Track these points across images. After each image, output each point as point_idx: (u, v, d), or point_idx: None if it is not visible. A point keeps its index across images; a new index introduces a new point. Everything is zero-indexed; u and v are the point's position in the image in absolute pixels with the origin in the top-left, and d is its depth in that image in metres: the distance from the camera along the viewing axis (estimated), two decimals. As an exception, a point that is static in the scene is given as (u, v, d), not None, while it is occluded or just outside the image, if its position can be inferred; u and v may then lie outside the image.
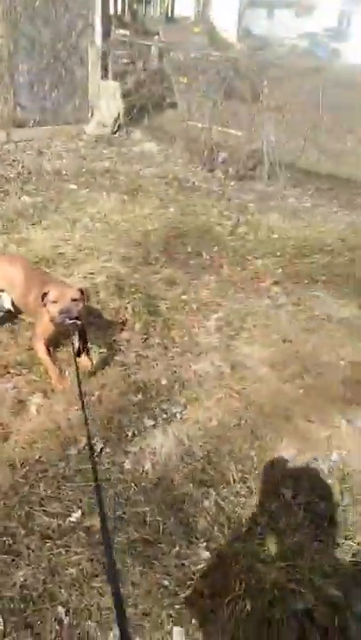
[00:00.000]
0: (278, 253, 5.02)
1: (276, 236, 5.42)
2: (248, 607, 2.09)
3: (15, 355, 3.39)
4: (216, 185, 6.87)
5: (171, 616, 2.05)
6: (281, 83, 7.71)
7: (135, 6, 12.92)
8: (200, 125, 8.06)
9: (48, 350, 3.03)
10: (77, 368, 2.61)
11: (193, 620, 2.06)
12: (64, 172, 6.78)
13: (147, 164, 7.38)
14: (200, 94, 8.71)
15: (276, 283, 4.51)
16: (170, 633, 2.01)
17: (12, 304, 3.35)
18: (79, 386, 2.36)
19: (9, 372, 3.24)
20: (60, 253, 4.58)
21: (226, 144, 7.69)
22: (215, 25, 15.13)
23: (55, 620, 2.02)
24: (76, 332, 2.85)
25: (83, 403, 2.31)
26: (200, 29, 13.90)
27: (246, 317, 3.99)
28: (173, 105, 9.84)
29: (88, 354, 3.14)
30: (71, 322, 2.71)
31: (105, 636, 1.99)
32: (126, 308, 3.92)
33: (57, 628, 2.00)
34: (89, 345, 3.17)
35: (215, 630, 2.02)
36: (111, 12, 11.09)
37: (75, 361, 2.70)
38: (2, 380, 3.18)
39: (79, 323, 2.75)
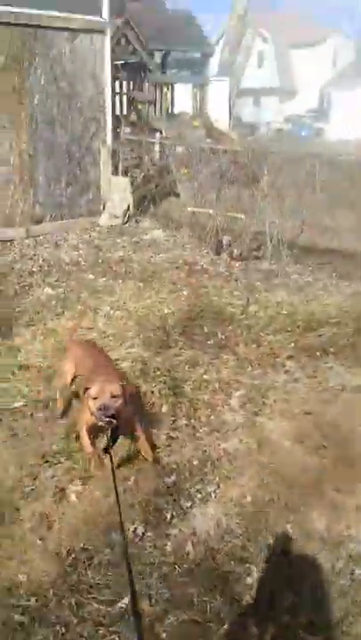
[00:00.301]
0: (289, 328, 5.20)
1: (285, 312, 5.62)
2: None
3: (51, 444, 3.50)
4: (223, 267, 7.16)
5: None
6: (279, 168, 8.14)
7: (139, 107, 13.86)
8: (203, 211, 8.48)
9: (91, 437, 3.13)
10: (112, 463, 2.69)
11: None
12: (82, 263, 7.11)
13: (157, 251, 7.72)
14: (201, 183, 9.24)
15: (290, 357, 4.65)
16: None
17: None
18: (114, 481, 2.47)
19: (47, 461, 3.34)
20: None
21: (229, 228, 8.05)
22: (211, 117, 16.10)
23: None
24: (110, 429, 2.87)
25: (118, 499, 2.39)
26: (198, 123, 14.80)
27: (267, 393, 4.11)
28: (177, 194, 10.39)
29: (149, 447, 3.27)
30: (107, 420, 2.77)
31: None
32: (152, 392, 4.05)
33: None
34: (148, 443, 3.27)
35: None
36: (117, 112, 11.95)
37: (110, 456, 2.76)
38: (41, 469, 3.27)
39: (114, 422, 2.80)
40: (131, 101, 15.23)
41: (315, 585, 2.58)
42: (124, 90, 15.43)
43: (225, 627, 2.36)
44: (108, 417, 2.75)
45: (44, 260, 7.13)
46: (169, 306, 5.65)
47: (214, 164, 9.30)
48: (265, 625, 2.38)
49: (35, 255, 7.35)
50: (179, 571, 2.62)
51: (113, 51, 9.40)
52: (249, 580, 2.60)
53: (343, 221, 8.30)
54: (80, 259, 7.29)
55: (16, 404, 3.87)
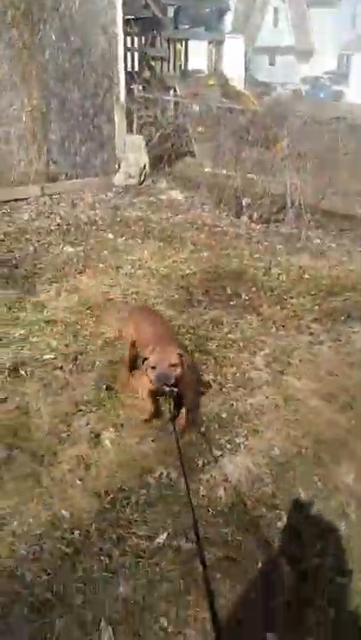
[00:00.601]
0: (313, 292, 5.33)
1: (307, 275, 5.75)
2: (332, 614, 2.32)
3: (83, 394, 3.68)
4: (243, 229, 7.26)
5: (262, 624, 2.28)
6: (300, 130, 8.17)
7: (152, 63, 13.71)
8: (224, 172, 8.53)
9: (154, 398, 3.31)
10: (175, 431, 2.86)
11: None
12: (100, 222, 7.21)
13: (175, 212, 7.81)
14: (219, 143, 9.26)
15: (314, 320, 4.80)
16: (264, 638, 2.24)
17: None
18: (179, 451, 2.62)
19: (80, 410, 3.53)
20: (109, 299, 4.93)
21: (249, 189, 8.11)
22: (227, 76, 15.95)
23: (160, 629, 2.26)
24: (172, 399, 3.01)
25: (185, 472, 2.54)
26: (214, 81, 14.66)
27: (292, 353, 4.28)
28: (193, 154, 10.42)
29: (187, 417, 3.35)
30: (168, 389, 2.89)
31: (206, 642, 2.22)
32: (179, 348, 4.22)
33: (161, 634, 2.23)
34: (183, 411, 3.32)
35: (303, 635, 2.25)
36: (129, 68, 11.86)
37: (173, 425, 2.95)
38: (74, 417, 3.47)
39: (175, 390, 2.91)
40: (143, 58, 15.04)
41: (343, 535, 2.78)
42: (136, 46, 15.24)
43: (259, 565, 2.57)
44: (169, 386, 2.86)
45: (61, 219, 7.24)
46: (190, 266, 5.79)
47: (233, 123, 9.32)
48: (297, 565, 2.59)
49: (51, 214, 7.45)
50: (212, 512, 2.83)
51: (124, 4, 9.30)
52: (279, 525, 2.80)
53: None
54: (97, 218, 7.39)
55: (46, 357, 4.05)
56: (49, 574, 2.48)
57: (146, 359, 2.97)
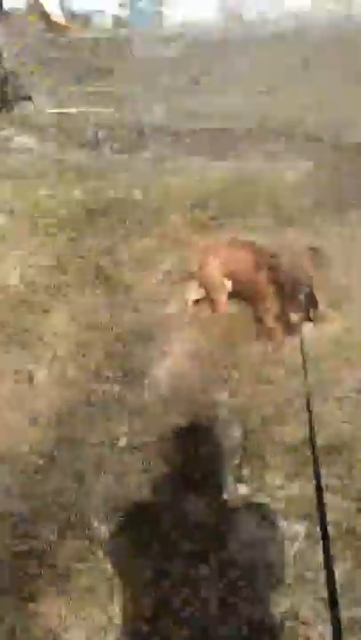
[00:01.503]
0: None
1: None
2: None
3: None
4: (105, 162, 7.35)
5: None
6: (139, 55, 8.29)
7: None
8: (69, 110, 8.48)
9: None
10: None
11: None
12: None
13: (33, 156, 7.68)
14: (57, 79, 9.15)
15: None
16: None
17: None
18: (302, 353, 2.75)
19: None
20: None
21: (100, 122, 8.17)
22: (46, 10, 15.35)
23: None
24: (306, 298, 3.05)
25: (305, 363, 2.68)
26: (35, 17, 14.10)
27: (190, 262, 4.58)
28: (30, 98, 10.12)
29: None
30: (303, 287, 2.96)
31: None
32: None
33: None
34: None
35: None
36: None
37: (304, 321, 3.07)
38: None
39: (308, 289, 2.98)
40: None
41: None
42: None
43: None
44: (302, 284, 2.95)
45: None
46: (68, 205, 5.82)
47: (67, 56, 9.22)
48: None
49: None
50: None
51: None
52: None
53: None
54: None
55: None
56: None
57: (273, 256, 3.00)
